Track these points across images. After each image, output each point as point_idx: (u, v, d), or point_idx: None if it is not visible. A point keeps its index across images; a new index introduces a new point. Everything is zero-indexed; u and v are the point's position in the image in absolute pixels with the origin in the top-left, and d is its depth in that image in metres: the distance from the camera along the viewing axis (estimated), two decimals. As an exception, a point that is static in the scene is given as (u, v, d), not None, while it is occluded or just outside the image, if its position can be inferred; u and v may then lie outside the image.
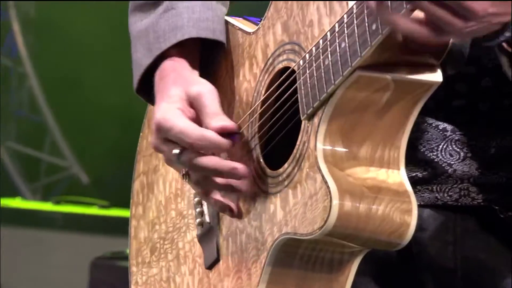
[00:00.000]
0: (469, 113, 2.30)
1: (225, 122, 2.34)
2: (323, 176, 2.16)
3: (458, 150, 2.31)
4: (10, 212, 5.97)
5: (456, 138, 2.31)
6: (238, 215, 2.37)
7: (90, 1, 7.29)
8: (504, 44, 2.09)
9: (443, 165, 2.31)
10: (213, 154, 2.36)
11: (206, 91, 2.37)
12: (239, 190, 2.34)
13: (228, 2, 2.56)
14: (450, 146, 2.31)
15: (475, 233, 2.33)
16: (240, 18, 2.50)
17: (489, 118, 2.29)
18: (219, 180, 2.35)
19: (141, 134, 2.69)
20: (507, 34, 2.04)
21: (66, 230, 5.86)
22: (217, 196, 2.38)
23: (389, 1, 2.05)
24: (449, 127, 2.31)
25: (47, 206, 6.23)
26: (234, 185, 2.33)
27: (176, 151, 2.35)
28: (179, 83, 2.40)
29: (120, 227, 5.79)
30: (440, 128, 2.31)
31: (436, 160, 2.32)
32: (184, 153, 2.34)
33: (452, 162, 2.31)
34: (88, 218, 6.01)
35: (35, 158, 7.18)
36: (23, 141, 7.23)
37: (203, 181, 2.37)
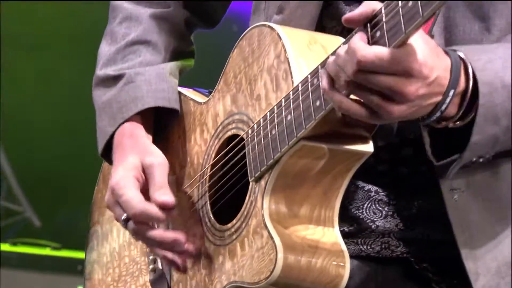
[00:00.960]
0: (391, 177, 2.31)
1: (166, 197, 2.34)
2: (269, 232, 2.18)
3: (380, 209, 2.32)
4: None
5: (379, 198, 2.32)
6: (184, 270, 2.37)
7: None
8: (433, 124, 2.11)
9: (367, 221, 2.32)
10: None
11: (157, 163, 2.39)
12: (181, 257, 2.35)
13: (180, 69, 2.57)
14: (374, 205, 2.32)
15: (395, 281, 2.33)
16: (190, 89, 2.52)
17: (408, 182, 2.29)
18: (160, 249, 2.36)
19: (96, 187, 2.69)
20: (438, 114, 2.04)
21: (21, 269, 5.81)
22: (165, 253, 2.38)
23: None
24: (373, 188, 2.32)
25: (5, 247, 6.18)
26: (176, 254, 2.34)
27: (123, 217, 2.36)
28: (136, 151, 2.41)
29: (71, 267, 5.77)
30: (366, 189, 2.32)
31: (361, 217, 2.32)
32: (130, 222, 2.36)
33: (375, 219, 2.32)
34: (41, 258, 5.96)
35: None
36: None
37: (149, 246, 2.40)
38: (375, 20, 1.96)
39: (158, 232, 2.34)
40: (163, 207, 2.32)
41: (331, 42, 2.22)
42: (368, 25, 1.97)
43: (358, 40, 1.97)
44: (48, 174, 7.07)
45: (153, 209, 2.32)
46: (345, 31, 2.28)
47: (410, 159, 2.29)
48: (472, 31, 2.21)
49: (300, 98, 2.13)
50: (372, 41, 1.97)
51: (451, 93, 2.02)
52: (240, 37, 2.32)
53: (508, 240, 2.24)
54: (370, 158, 2.22)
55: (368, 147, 2.17)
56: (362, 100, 2.05)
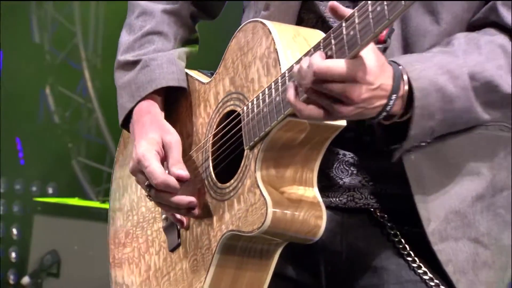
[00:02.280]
0: (356, 143, 2.32)
1: (182, 171, 2.37)
2: (261, 191, 2.21)
3: (347, 168, 2.32)
4: (73, 208, 5.94)
5: (346, 159, 2.32)
6: (186, 227, 2.41)
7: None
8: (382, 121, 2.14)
9: (336, 178, 2.33)
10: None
11: (174, 141, 2.42)
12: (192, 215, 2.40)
13: (187, 54, 2.58)
14: (341, 166, 2.33)
15: (357, 228, 2.34)
16: (196, 71, 2.54)
17: (370, 147, 2.31)
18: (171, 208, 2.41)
19: (117, 149, 2.70)
20: (384, 114, 2.09)
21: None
22: (176, 215, 2.44)
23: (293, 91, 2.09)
24: (341, 151, 2.33)
25: (98, 204, 6.19)
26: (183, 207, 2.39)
27: (146, 183, 2.40)
28: (155, 128, 2.44)
29: None
30: (335, 152, 2.32)
31: (331, 175, 2.33)
32: (152, 188, 2.40)
33: (343, 177, 2.32)
34: None
35: (98, 169, 7.10)
36: (90, 157, 7.18)
37: (162, 206, 2.44)
38: (336, 33, 2.03)
39: (176, 198, 2.38)
40: (179, 179, 2.37)
41: (312, 34, 2.27)
42: (326, 40, 2.05)
43: (316, 56, 2.04)
44: None
45: (172, 181, 2.37)
46: (319, 22, 2.34)
47: (372, 128, 2.28)
48: (424, 23, 2.26)
49: (287, 82, 2.17)
50: (327, 55, 2.04)
51: (393, 97, 2.08)
52: (237, 30, 2.35)
53: (454, 192, 2.28)
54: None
55: (342, 122, 2.20)
56: (318, 104, 2.06)
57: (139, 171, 2.43)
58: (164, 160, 2.42)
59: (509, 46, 2.22)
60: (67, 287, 5.61)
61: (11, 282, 6.45)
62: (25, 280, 5.71)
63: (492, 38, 2.23)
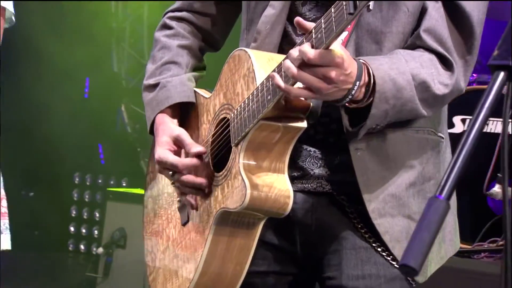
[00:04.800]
0: (323, 142, 2.34)
1: (199, 148, 2.41)
2: (242, 177, 2.24)
3: (316, 161, 2.34)
4: (136, 196, 5.88)
5: (316, 155, 2.34)
6: (196, 208, 2.43)
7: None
8: (347, 104, 2.17)
9: (308, 169, 2.34)
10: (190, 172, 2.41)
11: (181, 133, 2.45)
12: (202, 190, 2.41)
13: (195, 77, 2.59)
14: (312, 160, 2.34)
15: (324, 206, 2.35)
16: (204, 89, 2.56)
17: (334, 146, 2.33)
18: (189, 188, 2.43)
19: (151, 151, 2.67)
20: (350, 97, 2.11)
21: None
22: (188, 197, 2.45)
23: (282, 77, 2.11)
24: (312, 149, 2.34)
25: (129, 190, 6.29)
26: (199, 187, 2.41)
27: (170, 173, 2.44)
28: (165, 133, 2.46)
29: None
30: (308, 150, 2.34)
31: (304, 167, 2.35)
32: (175, 174, 2.43)
33: (313, 168, 2.34)
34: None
35: None
36: None
37: (182, 188, 2.46)
38: (314, 30, 2.07)
39: (192, 177, 2.41)
40: (198, 155, 2.42)
41: (282, 59, 2.26)
42: (313, 30, 2.07)
43: (307, 46, 2.05)
44: None
45: (190, 160, 2.41)
46: None
47: (335, 131, 2.32)
48: (371, 51, 2.30)
49: (259, 94, 2.24)
50: (315, 42, 2.04)
51: (357, 83, 2.11)
52: (229, 57, 2.40)
53: (392, 180, 2.30)
54: (311, 131, 2.28)
55: (304, 124, 2.24)
56: (304, 85, 2.08)
57: (163, 169, 2.49)
58: (179, 151, 2.47)
59: (436, 61, 2.28)
60: (131, 256, 5.70)
61: (93, 253, 6.61)
62: (100, 250, 5.83)
63: (423, 53, 2.29)
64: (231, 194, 2.29)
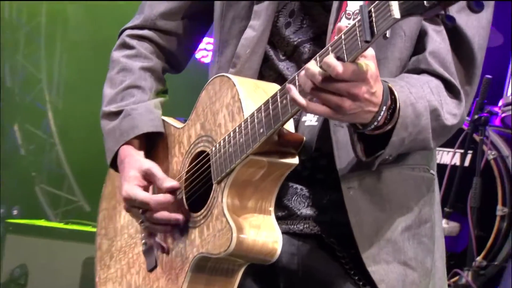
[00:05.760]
0: (311, 179, 2.29)
1: (173, 182, 2.33)
2: (227, 219, 2.17)
3: (304, 200, 2.29)
4: (39, 228, 5.86)
5: (303, 193, 2.29)
6: (167, 252, 2.35)
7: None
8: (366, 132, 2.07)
9: (294, 209, 2.29)
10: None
11: (152, 166, 2.37)
12: (177, 228, 2.33)
13: (161, 103, 2.50)
14: (299, 198, 2.29)
15: (311, 250, 2.30)
16: (171, 118, 2.49)
17: (322, 183, 2.28)
18: (162, 226, 2.34)
19: (104, 184, 2.63)
20: (375, 123, 2.02)
21: (71, 241, 5.69)
22: (157, 239, 2.38)
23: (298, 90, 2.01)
24: (299, 187, 2.29)
25: (61, 225, 6.09)
26: (175, 223, 2.33)
27: (140, 211, 2.35)
28: (133, 166, 2.38)
29: None
30: (294, 187, 2.29)
31: (290, 206, 2.29)
32: (146, 212, 2.35)
33: (300, 208, 2.29)
34: (87, 234, 5.86)
35: (57, 195, 7.03)
36: (51, 184, 7.08)
37: (152, 227, 2.38)
38: (337, 42, 1.96)
39: (166, 214, 2.32)
40: (171, 190, 2.32)
41: (269, 87, 2.25)
42: (318, 58, 1.98)
43: (331, 57, 1.95)
44: (98, 170, 6.88)
45: (162, 196, 2.32)
46: (279, 78, 2.30)
47: (324, 168, 2.27)
48: None
49: (249, 126, 2.15)
50: (336, 58, 1.94)
51: (383, 108, 2.04)
52: (207, 83, 2.31)
53: (387, 223, 2.25)
54: (298, 167, 2.21)
55: (295, 160, 2.18)
56: (322, 102, 1.98)
57: (131, 207, 2.38)
58: (149, 186, 2.37)
59: (442, 87, 2.22)
60: (33, 295, 5.58)
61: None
62: (-4, 290, 5.64)
63: (430, 78, 2.22)
64: (213, 238, 2.21)
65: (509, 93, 5.66)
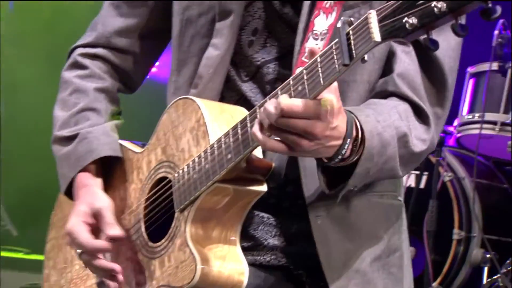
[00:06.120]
0: (277, 207, 2.24)
1: (117, 232, 2.24)
2: (190, 250, 2.11)
3: (271, 230, 2.24)
4: None
5: (270, 222, 2.24)
6: (122, 285, 2.26)
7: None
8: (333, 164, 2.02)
9: (261, 239, 2.24)
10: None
11: (104, 207, 2.27)
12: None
13: (117, 126, 2.44)
14: (266, 227, 2.24)
15: (278, 282, 2.25)
16: (128, 141, 2.41)
17: (289, 211, 2.23)
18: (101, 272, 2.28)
19: (53, 212, 2.54)
20: (340, 156, 1.99)
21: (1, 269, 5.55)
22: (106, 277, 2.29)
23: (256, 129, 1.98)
24: (265, 215, 2.24)
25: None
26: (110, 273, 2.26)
27: (78, 251, 2.29)
28: (85, 200, 2.29)
29: (38, 267, 5.54)
30: (260, 216, 2.24)
31: (257, 236, 2.24)
32: (83, 255, 2.28)
33: (267, 238, 2.24)
34: (15, 260, 5.65)
35: None
36: None
37: (92, 270, 2.31)
38: (293, 81, 1.92)
39: (103, 263, 2.26)
40: (115, 239, 2.24)
41: (235, 110, 2.20)
42: (291, 81, 1.93)
43: (284, 96, 1.92)
44: (26, 195, 6.73)
45: (99, 243, 2.25)
46: (241, 100, 2.25)
47: (291, 195, 2.22)
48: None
49: (216, 152, 2.09)
50: (294, 94, 1.91)
51: (348, 141, 1.99)
52: (168, 106, 2.24)
53: (356, 254, 2.21)
54: (264, 194, 2.15)
55: (263, 188, 2.13)
56: (280, 139, 1.94)
57: (72, 243, 2.30)
58: (95, 226, 2.28)
59: (410, 112, 2.17)
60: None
61: None
62: None
63: (398, 102, 2.17)
64: (175, 270, 2.14)
65: (464, 112, 5.72)
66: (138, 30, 2.46)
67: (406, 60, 2.19)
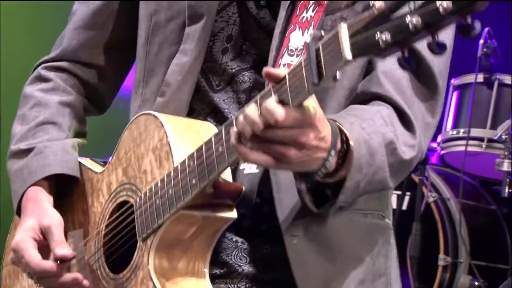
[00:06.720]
0: (253, 231, 2.16)
1: (65, 250, 2.17)
2: (154, 284, 2.02)
3: (245, 255, 2.16)
4: None
5: (244, 247, 2.16)
6: None
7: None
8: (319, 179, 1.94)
9: (235, 266, 2.15)
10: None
11: (53, 224, 2.18)
12: None
13: (79, 145, 2.37)
14: (240, 253, 2.16)
15: None
16: (88, 158, 2.32)
17: (266, 234, 2.15)
18: None
19: (9, 235, 2.43)
20: (323, 170, 1.90)
21: None
22: None
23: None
24: (239, 239, 2.16)
25: None
26: None
27: (27, 271, 2.21)
28: (35, 215, 2.21)
29: None
30: (234, 240, 2.15)
31: (230, 262, 2.15)
32: (33, 275, 2.20)
33: (241, 264, 2.16)
34: None
35: None
36: None
37: None
38: (281, 83, 1.81)
39: (61, 279, 2.18)
40: (62, 259, 2.14)
41: (202, 126, 2.10)
42: (272, 88, 1.82)
43: (273, 102, 1.80)
44: None
45: (48, 265, 2.16)
46: (213, 113, 2.16)
47: (268, 216, 2.13)
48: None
49: (180, 176, 1.98)
50: (279, 101, 1.80)
51: (332, 152, 1.89)
52: (129, 122, 2.14)
53: (338, 278, 2.12)
54: (238, 216, 2.06)
55: (233, 214, 2.03)
56: (264, 151, 1.84)
57: (18, 261, 2.20)
58: (44, 243, 2.19)
59: (394, 116, 2.08)
60: None
61: None
62: None
63: (381, 107, 2.08)
64: None
65: (448, 128, 5.63)
66: (105, 44, 2.39)
67: (391, 59, 2.10)
